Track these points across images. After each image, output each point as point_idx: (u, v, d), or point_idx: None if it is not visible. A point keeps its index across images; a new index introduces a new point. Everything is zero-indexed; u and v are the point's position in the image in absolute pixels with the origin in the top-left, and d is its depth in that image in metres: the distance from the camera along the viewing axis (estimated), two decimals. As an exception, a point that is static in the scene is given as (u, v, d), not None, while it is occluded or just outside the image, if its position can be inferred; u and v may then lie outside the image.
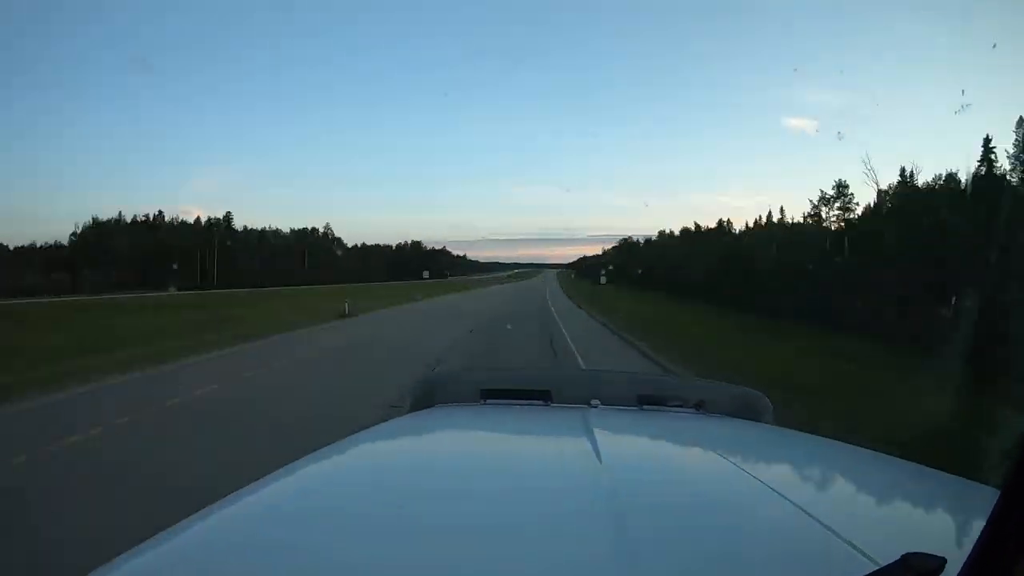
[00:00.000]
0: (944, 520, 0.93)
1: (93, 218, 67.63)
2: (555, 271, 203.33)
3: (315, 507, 0.86)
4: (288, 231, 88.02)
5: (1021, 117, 16.39)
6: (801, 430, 1.55)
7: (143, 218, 71.94)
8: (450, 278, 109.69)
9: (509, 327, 18.83)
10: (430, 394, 1.57)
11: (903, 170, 22.73)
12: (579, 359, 12.43)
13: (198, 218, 76.26)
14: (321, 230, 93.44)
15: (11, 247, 61.50)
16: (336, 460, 1.10)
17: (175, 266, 57.00)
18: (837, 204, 27.69)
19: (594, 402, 1.44)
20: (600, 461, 0.97)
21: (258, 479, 0.94)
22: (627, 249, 78.80)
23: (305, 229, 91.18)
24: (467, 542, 0.72)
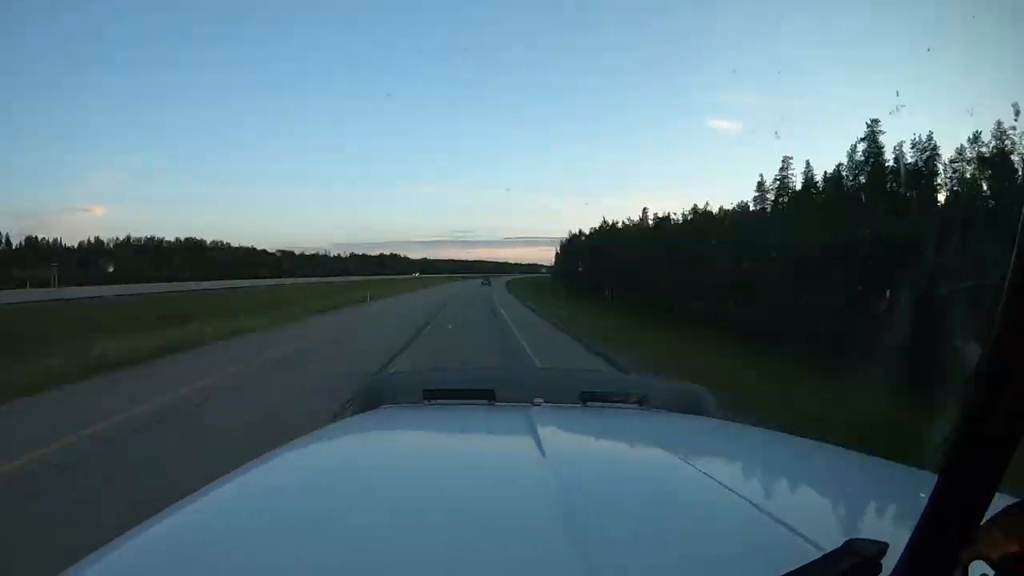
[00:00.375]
0: (886, 506, 0.95)
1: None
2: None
3: (262, 510, 0.85)
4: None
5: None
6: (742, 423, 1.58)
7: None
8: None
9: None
10: (375, 396, 1.57)
11: (806, 165, 22.59)
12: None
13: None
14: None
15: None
16: (284, 463, 1.09)
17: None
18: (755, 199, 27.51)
19: (537, 400, 1.45)
20: (544, 458, 0.97)
21: (204, 485, 0.92)
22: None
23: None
24: (416, 542, 0.71)
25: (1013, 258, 0.43)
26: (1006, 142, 13.80)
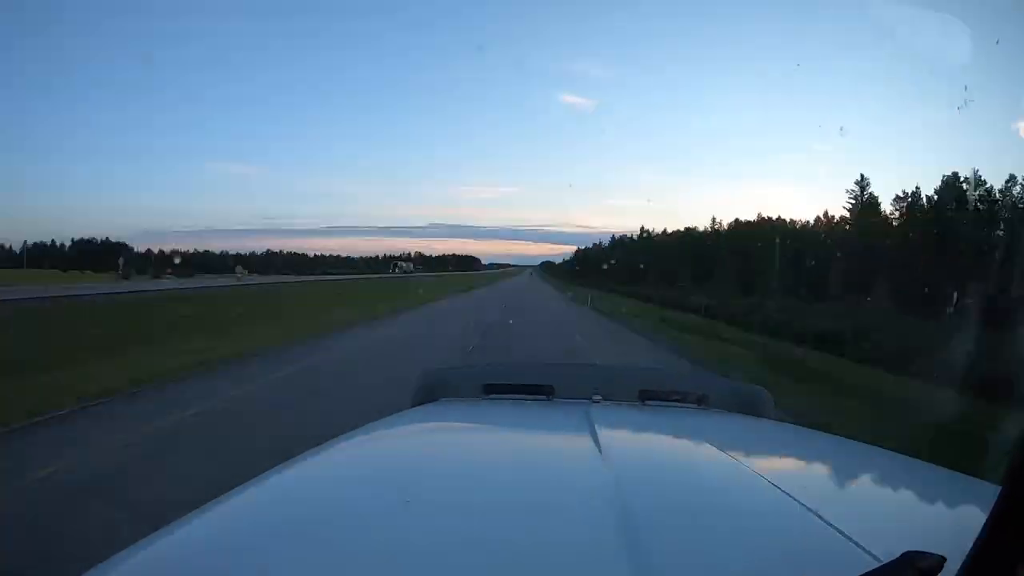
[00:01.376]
0: (946, 517, 0.93)
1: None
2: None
3: (323, 501, 0.87)
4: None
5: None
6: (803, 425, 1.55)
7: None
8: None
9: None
10: (432, 390, 1.58)
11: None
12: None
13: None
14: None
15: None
16: (343, 454, 1.11)
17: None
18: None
19: (596, 397, 1.45)
20: (602, 455, 0.97)
21: (263, 472, 0.95)
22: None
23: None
24: (473, 537, 0.72)
25: None
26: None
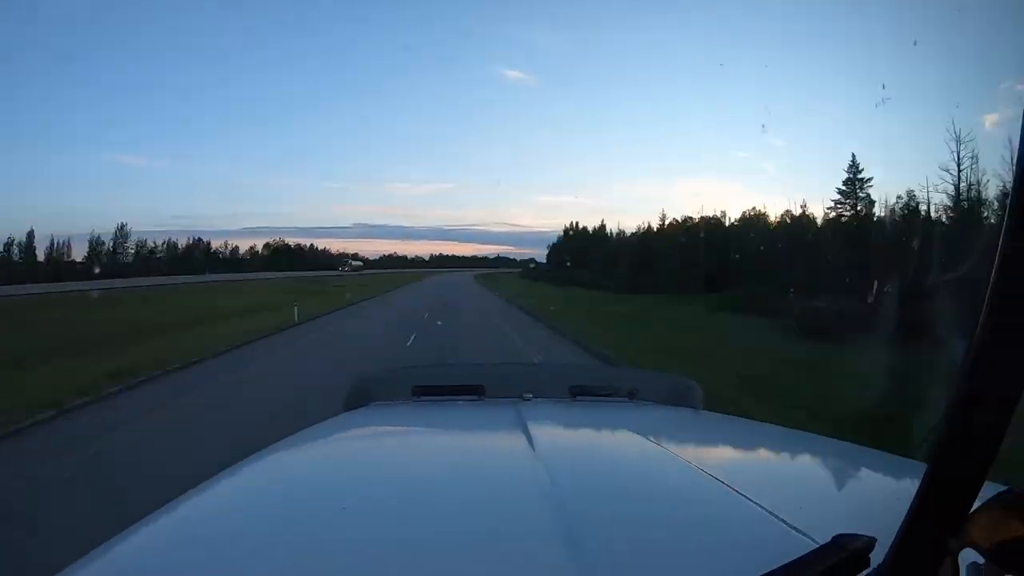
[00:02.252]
0: (875, 496, 0.96)
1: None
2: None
3: (257, 508, 0.85)
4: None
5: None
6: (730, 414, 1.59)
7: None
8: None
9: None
10: (364, 393, 1.56)
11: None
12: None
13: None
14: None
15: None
16: (277, 460, 1.09)
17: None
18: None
19: (527, 395, 1.45)
20: (534, 452, 0.97)
21: (199, 483, 0.92)
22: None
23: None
24: (409, 539, 0.71)
25: (998, 252, 0.44)
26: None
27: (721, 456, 1.17)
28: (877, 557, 0.51)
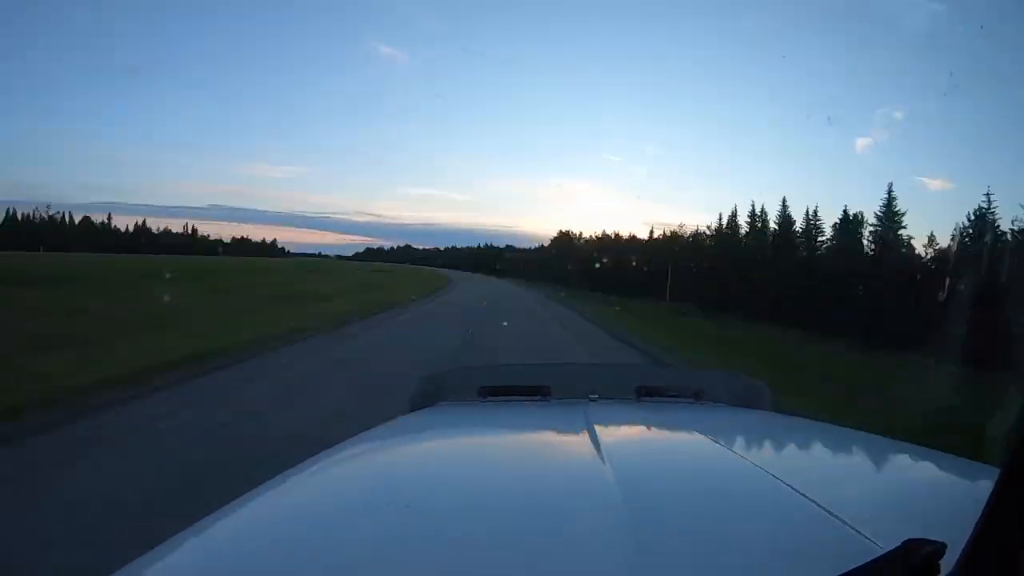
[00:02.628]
0: (947, 503, 0.93)
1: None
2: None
3: (324, 509, 0.87)
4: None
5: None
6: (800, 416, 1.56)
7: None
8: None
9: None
10: (430, 394, 1.58)
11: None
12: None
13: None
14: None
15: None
16: (343, 461, 1.11)
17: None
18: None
19: (593, 396, 1.45)
20: (601, 454, 0.97)
21: (264, 482, 0.95)
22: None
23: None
24: (476, 540, 0.72)
25: None
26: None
27: (789, 459, 1.15)
28: (948, 564, 0.51)
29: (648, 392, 1.49)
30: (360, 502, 0.88)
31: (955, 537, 0.51)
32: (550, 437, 1.28)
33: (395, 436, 1.34)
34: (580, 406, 1.37)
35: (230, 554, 0.73)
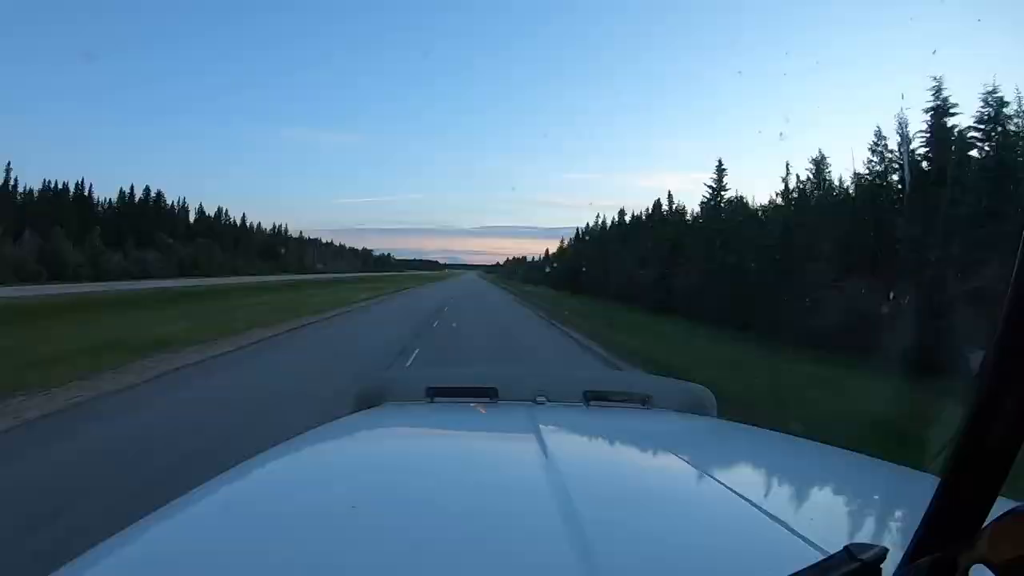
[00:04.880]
0: (888, 509, 0.96)
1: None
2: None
3: (267, 507, 0.85)
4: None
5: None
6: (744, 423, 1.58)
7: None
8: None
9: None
10: (378, 394, 1.56)
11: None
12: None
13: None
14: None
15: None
16: (288, 459, 1.09)
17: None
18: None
19: (540, 399, 1.45)
20: (547, 456, 0.97)
21: (208, 480, 0.92)
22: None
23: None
24: (419, 540, 0.71)
25: (1016, 263, 0.44)
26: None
27: (733, 465, 1.17)
28: (888, 568, 0.51)
29: (596, 397, 1.50)
30: (305, 501, 0.86)
31: (896, 542, 0.52)
32: (497, 439, 1.28)
33: (341, 435, 1.31)
34: (527, 408, 1.36)
35: (170, 554, 0.71)
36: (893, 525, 0.84)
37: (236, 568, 0.65)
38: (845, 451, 1.20)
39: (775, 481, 1.08)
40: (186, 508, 0.83)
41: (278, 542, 0.71)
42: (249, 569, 0.65)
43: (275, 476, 1.01)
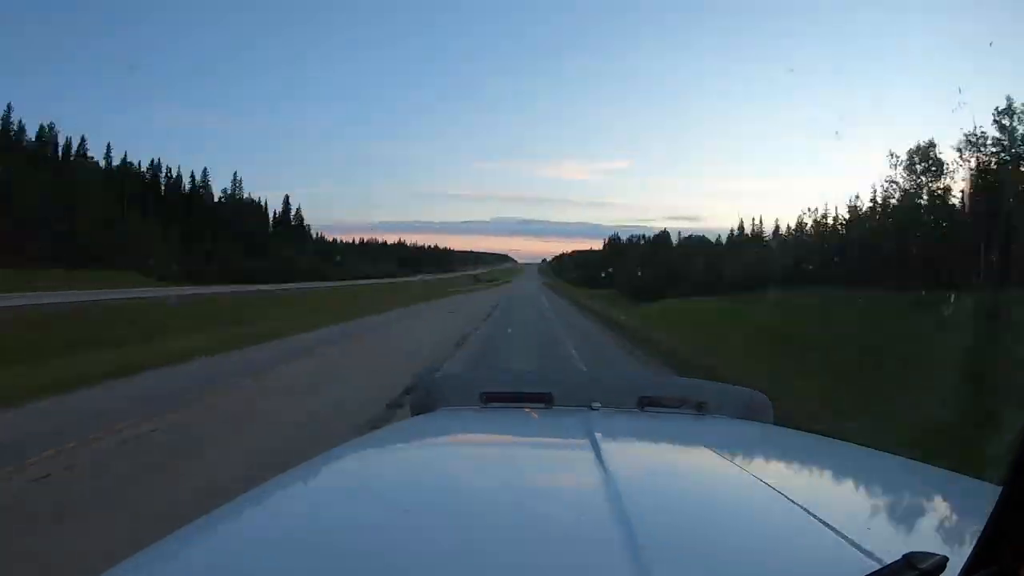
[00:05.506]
0: (947, 518, 0.93)
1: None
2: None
3: (324, 512, 0.87)
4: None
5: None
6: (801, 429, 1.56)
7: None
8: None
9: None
10: (432, 399, 1.58)
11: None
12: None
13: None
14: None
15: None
16: (344, 464, 1.11)
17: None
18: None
19: (595, 404, 1.45)
20: (602, 463, 0.97)
21: (263, 483, 0.95)
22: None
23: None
24: (474, 547, 0.72)
25: None
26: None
27: (789, 472, 1.15)
28: None
29: (651, 403, 1.49)
30: (360, 505, 0.89)
31: (955, 553, 0.52)
32: (552, 445, 1.28)
33: (397, 440, 1.34)
34: (582, 414, 1.37)
35: (230, 554, 0.74)
36: (952, 535, 0.82)
37: (291, 571, 0.67)
38: (903, 459, 1.17)
39: (832, 488, 1.06)
40: (244, 510, 0.85)
41: (331, 547, 0.72)
42: (301, 572, 0.67)
43: (331, 481, 1.03)
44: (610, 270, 52.56)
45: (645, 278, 39.64)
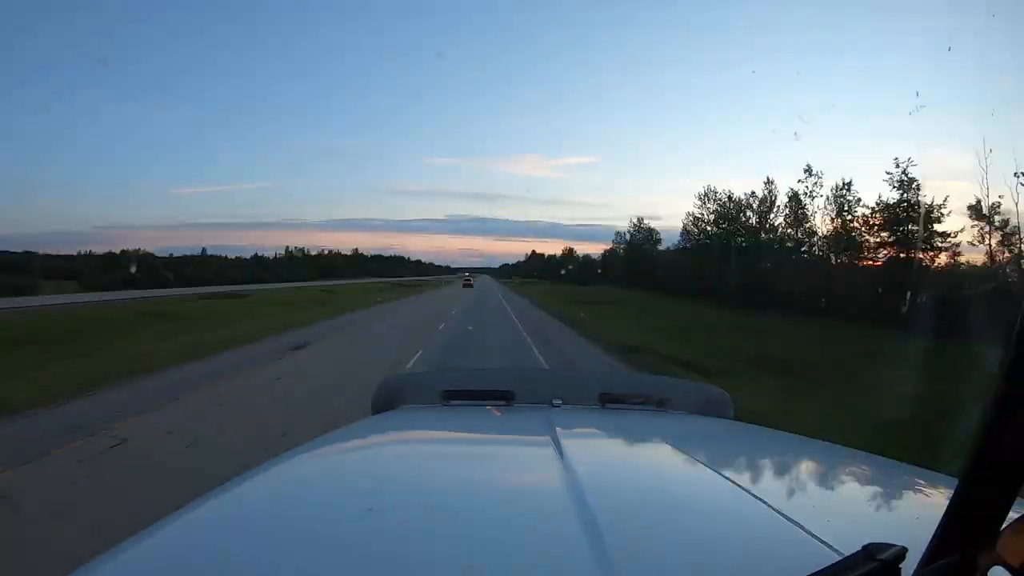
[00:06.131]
0: (906, 510, 0.95)
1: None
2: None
3: (284, 510, 0.86)
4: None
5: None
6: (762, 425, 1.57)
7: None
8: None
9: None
10: (392, 397, 1.57)
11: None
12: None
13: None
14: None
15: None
16: (304, 463, 1.10)
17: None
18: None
19: (556, 401, 1.45)
20: (563, 459, 0.97)
21: (224, 483, 0.93)
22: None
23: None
24: (436, 544, 0.72)
25: None
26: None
27: (749, 466, 1.16)
28: (907, 570, 0.51)
29: (612, 399, 1.50)
30: (321, 504, 0.87)
31: (915, 544, 0.52)
32: (513, 442, 1.28)
33: (358, 438, 1.32)
34: (543, 411, 1.36)
35: (182, 558, 0.71)
36: (911, 527, 0.84)
37: (248, 572, 0.66)
38: (862, 452, 1.20)
39: (792, 482, 1.08)
40: (199, 512, 0.83)
41: (292, 546, 0.71)
42: (262, 572, 0.66)
43: (291, 479, 1.02)
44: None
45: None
